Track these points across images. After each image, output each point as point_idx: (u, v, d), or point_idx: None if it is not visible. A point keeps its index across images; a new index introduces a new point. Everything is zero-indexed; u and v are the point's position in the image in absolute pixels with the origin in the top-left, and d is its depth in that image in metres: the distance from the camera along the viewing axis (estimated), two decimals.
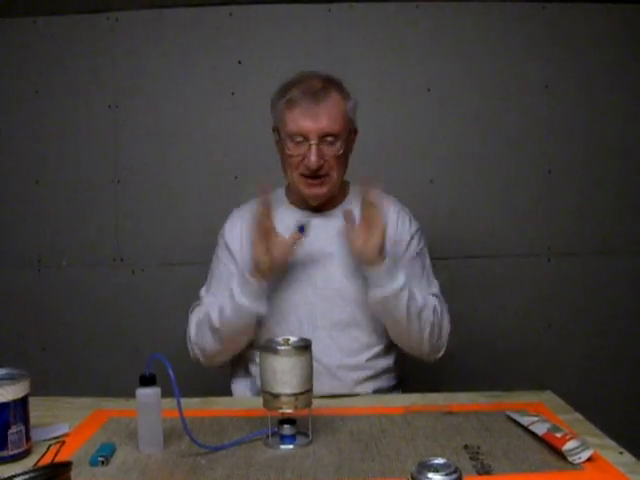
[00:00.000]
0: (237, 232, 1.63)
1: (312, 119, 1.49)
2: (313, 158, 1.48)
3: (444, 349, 1.59)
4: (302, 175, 1.53)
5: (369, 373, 1.57)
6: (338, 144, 1.51)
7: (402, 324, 1.50)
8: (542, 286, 2.36)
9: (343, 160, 1.56)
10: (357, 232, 1.47)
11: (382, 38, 2.31)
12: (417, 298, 1.51)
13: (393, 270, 1.48)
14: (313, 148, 1.48)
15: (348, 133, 1.55)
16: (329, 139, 1.50)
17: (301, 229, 1.45)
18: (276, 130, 1.59)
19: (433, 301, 1.56)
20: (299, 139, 1.50)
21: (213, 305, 1.55)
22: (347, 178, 1.67)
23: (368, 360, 1.57)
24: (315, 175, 1.51)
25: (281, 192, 1.68)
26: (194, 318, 1.60)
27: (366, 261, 1.47)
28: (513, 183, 2.35)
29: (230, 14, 2.31)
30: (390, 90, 2.32)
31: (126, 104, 2.34)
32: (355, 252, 1.49)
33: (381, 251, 1.46)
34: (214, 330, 1.53)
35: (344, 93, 1.56)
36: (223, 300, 1.52)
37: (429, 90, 2.32)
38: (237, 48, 2.31)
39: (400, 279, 1.47)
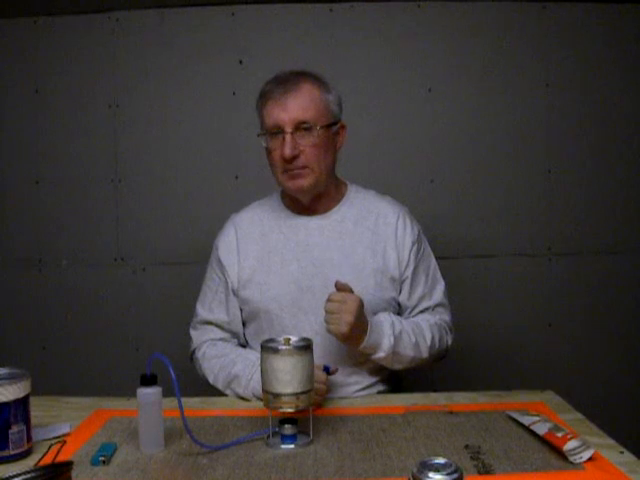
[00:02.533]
0: (232, 244, 1.61)
1: (283, 108, 1.47)
2: (286, 147, 1.46)
3: (446, 352, 1.60)
4: (283, 171, 1.50)
5: (367, 383, 1.55)
6: (315, 133, 1.48)
7: (398, 364, 1.51)
8: (542, 286, 2.36)
9: (324, 151, 1.50)
10: (328, 318, 1.40)
11: (383, 38, 2.32)
12: (409, 335, 1.49)
13: (374, 343, 1.44)
14: (287, 137, 1.46)
15: (329, 124, 1.52)
16: (305, 127, 1.47)
17: (327, 369, 1.42)
18: (262, 135, 1.55)
19: (427, 319, 1.56)
20: (275, 131, 1.49)
21: (216, 358, 1.54)
22: (347, 178, 1.67)
23: (366, 368, 1.55)
24: (293, 167, 1.49)
25: (277, 196, 1.66)
26: (196, 340, 1.62)
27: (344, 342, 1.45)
28: (513, 183, 2.35)
29: (232, 14, 2.31)
30: (391, 90, 2.33)
31: (126, 104, 2.34)
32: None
33: (357, 329, 1.40)
34: (214, 384, 1.54)
35: (320, 83, 1.52)
36: (224, 362, 1.51)
37: (430, 90, 2.33)
38: (238, 48, 2.32)
39: (385, 344, 1.45)
